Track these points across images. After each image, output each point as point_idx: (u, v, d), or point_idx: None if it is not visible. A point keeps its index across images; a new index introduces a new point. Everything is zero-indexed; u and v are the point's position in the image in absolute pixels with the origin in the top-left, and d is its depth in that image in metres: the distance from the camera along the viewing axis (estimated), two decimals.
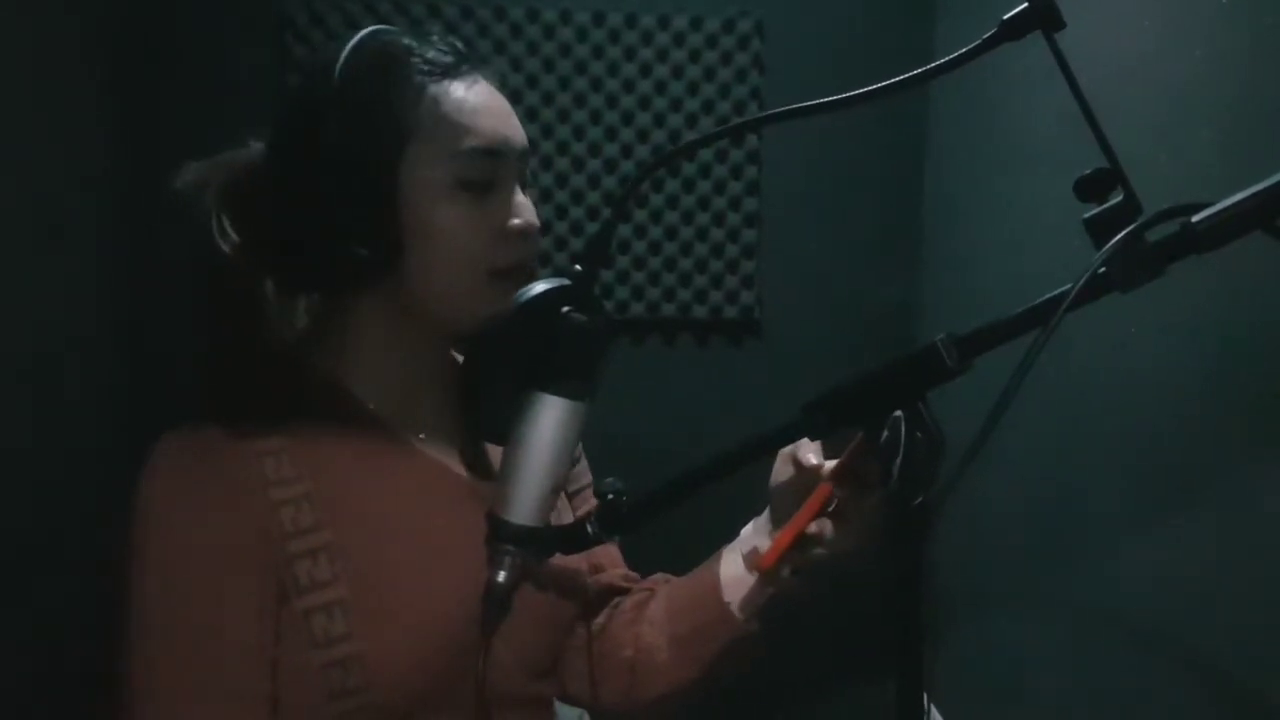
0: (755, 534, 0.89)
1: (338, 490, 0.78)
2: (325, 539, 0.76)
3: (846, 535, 0.81)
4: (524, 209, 0.82)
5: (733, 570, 0.89)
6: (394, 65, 0.79)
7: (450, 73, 0.80)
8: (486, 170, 0.80)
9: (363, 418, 0.84)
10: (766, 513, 0.88)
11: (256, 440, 0.77)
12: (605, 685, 0.94)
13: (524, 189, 0.85)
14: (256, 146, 0.85)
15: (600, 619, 0.97)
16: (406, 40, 0.81)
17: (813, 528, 0.81)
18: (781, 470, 0.85)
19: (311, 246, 0.79)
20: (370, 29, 0.81)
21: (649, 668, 0.91)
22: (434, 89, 0.79)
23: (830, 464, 0.79)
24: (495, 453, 0.81)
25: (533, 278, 0.81)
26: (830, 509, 0.80)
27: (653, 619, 0.94)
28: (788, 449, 0.83)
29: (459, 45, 0.84)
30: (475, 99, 0.80)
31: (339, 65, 0.77)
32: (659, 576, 1.01)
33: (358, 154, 0.76)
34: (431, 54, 0.80)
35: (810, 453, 0.80)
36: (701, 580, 0.91)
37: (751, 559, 0.87)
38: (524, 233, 0.82)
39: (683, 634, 0.90)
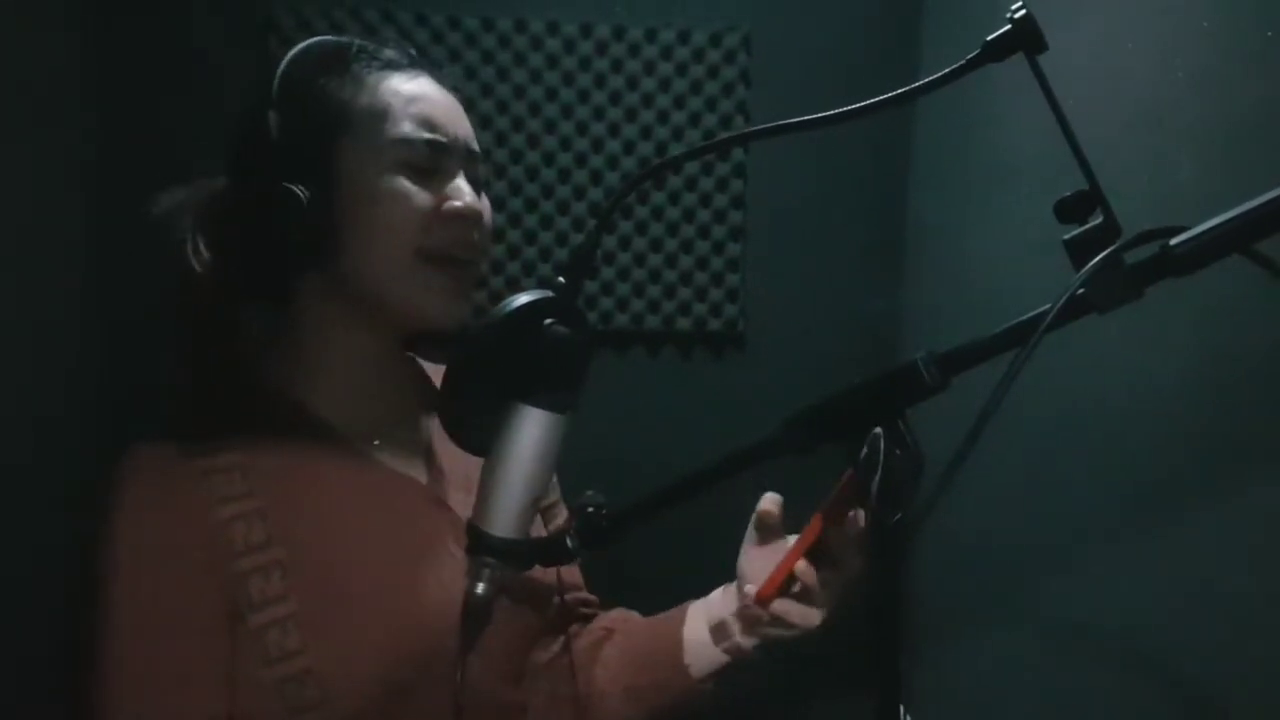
0: (724, 600, 0.91)
1: (290, 504, 0.78)
2: (277, 554, 0.76)
3: (819, 607, 0.84)
4: (463, 193, 0.82)
5: (696, 633, 0.90)
6: (335, 59, 0.81)
7: (392, 66, 0.82)
8: (425, 157, 0.81)
9: (316, 429, 0.83)
10: (734, 584, 0.90)
11: (207, 458, 0.77)
12: (550, 717, 0.94)
13: (477, 190, 0.85)
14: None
15: (555, 648, 0.97)
16: (353, 41, 0.83)
17: (801, 565, 0.82)
18: (748, 538, 0.90)
19: (257, 235, 0.79)
20: (320, 37, 0.84)
21: (598, 711, 0.93)
22: (373, 78, 0.81)
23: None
24: (457, 457, 0.81)
25: (473, 268, 0.83)
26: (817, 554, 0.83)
27: (607, 663, 0.95)
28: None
29: (409, 49, 0.86)
30: (416, 89, 0.82)
31: (283, 64, 0.80)
32: (617, 614, 1.01)
33: (297, 138, 0.78)
34: (374, 49, 0.83)
35: (771, 503, 0.87)
36: (663, 635, 0.93)
37: (720, 630, 0.89)
38: (459, 215, 0.81)
39: (638, 685, 0.92)
